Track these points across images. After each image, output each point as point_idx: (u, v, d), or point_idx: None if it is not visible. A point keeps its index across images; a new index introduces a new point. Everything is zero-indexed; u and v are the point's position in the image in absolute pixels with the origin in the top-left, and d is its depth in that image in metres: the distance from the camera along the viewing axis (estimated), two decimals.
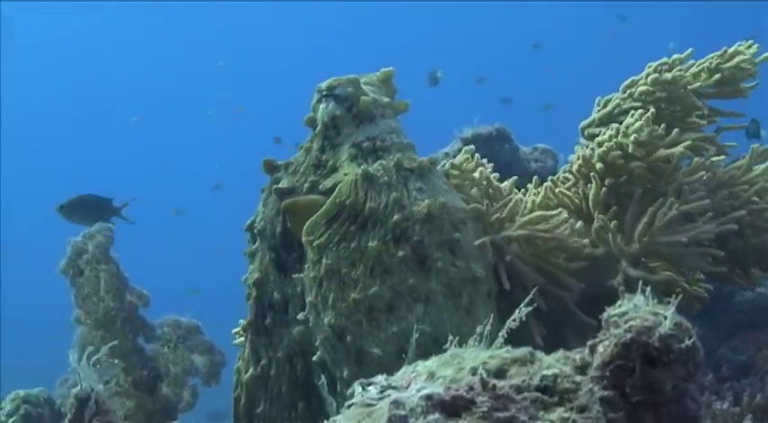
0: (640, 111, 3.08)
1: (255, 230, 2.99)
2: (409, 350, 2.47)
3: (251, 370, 3.03)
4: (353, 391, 1.68)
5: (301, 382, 2.89)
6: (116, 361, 4.10)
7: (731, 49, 3.31)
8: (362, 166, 2.70)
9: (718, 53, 3.32)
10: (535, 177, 3.34)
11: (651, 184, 3.01)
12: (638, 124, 2.97)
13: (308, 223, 2.71)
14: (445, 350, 2.48)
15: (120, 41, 31.08)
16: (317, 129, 2.89)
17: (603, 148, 3.00)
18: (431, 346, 2.53)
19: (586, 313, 3.04)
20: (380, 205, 2.63)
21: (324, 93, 2.86)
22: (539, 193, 3.14)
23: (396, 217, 2.61)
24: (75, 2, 28.93)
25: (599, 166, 3.00)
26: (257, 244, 2.99)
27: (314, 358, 2.76)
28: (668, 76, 3.27)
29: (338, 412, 2.63)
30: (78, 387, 3.06)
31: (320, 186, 2.79)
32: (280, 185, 2.89)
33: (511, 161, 5.52)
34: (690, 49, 3.36)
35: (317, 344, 2.74)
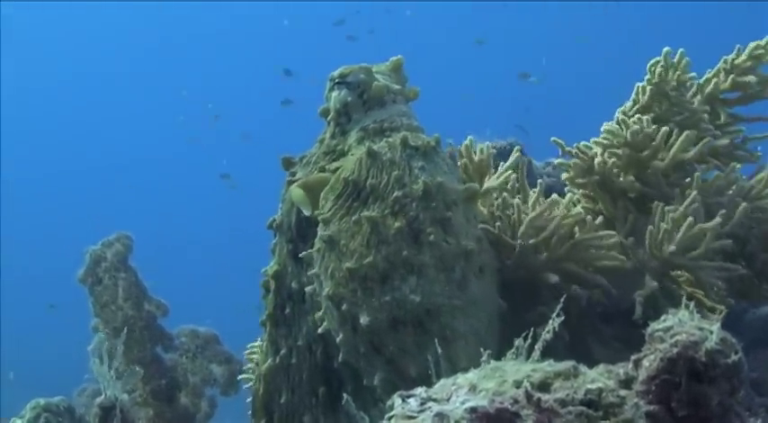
0: (638, 116, 3.05)
1: (274, 225, 3.03)
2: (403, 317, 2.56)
3: (269, 361, 3.06)
4: (393, 404, 1.68)
5: (321, 367, 2.89)
6: (138, 368, 4.10)
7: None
8: (367, 144, 2.75)
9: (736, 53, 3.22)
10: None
11: (662, 191, 2.98)
12: (633, 124, 2.97)
13: (320, 199, 2.77)
14: (439, 322, 2.55)
15: (119, 40, 31.11)
16: (330, 116, 2.94)
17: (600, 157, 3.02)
18: (423, 317, 2.59)
19: (611, 325, 3.04)
20: (381, 183, 2.68)
21: (336, 80, 2.91)
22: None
23: (396, 193, 2.65)
24: (75, 1, 28.98)
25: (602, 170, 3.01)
26: (276, 238, 3.04)
27: (319, 330, 2.80)
28: (654, 79, 3.18)
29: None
30: (103, 396, 3.08)
31: (327, 167, 2.85)
32: (292, 178, 2.93)
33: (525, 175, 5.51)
34: (680, 49, 3.18)
35: (319, 315, 2.78)
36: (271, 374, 3.06)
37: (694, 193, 2.86)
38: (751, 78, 3.15)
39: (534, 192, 3.10)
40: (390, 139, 2.76)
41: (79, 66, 31.11)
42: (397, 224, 2.61)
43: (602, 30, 27.20)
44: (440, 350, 2.52)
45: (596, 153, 3.11)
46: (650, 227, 2.87)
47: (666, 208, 2.85)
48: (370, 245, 2.62)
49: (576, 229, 2.89)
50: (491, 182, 3.08)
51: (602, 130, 3.12)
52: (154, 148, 29.62)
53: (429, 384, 2.47)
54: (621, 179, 3.04)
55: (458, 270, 2.64)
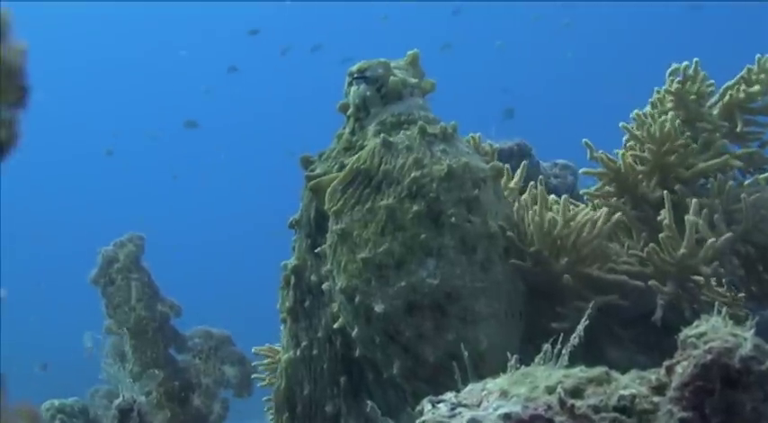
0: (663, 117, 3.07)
1: (294, 222, 3.04)
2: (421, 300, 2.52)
3: (290, 353, 3.05)
4: (422, 409, 1.68)
5: (341, 357, 2.89)
6: (156, 371, 4.11)
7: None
8: (382, 135, 2.74)
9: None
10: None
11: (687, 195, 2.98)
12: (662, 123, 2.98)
13: (328, 191, 2.74)
14: (459, 305, 2.53)
15: (120, 39, 31.08)
16: (349, 112, 2.94)
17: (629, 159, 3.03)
18: (442, 301, 2.56)
19: (627, 328, 3.04)
20: (396, 167, 2.66)
21: (355, 75, 2.92)
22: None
23: (414, 174, 2.62)
24: (75, 1, 28.95)
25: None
26: (296, 234, 3.05)
27: (335, 325, 2.79)
28: (673, 88, 3.18)
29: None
30: (121, 398, 3.08)
31: (345, 162, 2.83)
32: (310, 173, 2.93)
33: (532, 177, 5.50)
34: (695, 59, 3.25)
35: (335, 310, 2.77)
36: (292, 368, 3.06)
37: (695, 201, 2.87)
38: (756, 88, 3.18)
39: (557, 200, 3.09)
40: (408, 132, 2.75)
41: (79, 64, 31.01)
42: (415, 208, 2.58)
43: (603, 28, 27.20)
44: (460, 333, 2.53)
45: (622, 163, 3.10)
46: (662, 234, 2.88)
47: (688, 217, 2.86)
48: (385, 232, 2.59)
49: (596, 233, 2.89)
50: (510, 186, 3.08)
51: (631, 117, 3.13)
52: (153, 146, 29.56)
53: (449, 370, 2.50)
54: (645, 184, 3.04)
55: (480, 251, 2.62)
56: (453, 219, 2.58)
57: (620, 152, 3.14)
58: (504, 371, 2.58)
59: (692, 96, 3.14)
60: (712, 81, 3.19)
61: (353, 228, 2.65)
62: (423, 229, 2.57)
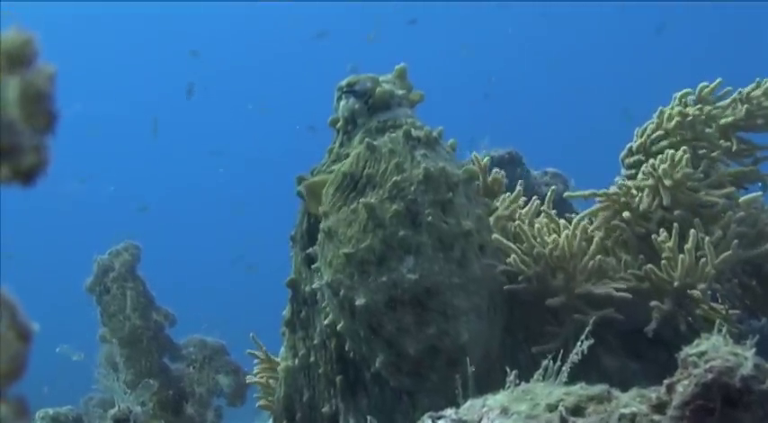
0: (672, 151, 3.10)
1: (291, 237, 3.10)
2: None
3: (288, 363, 3.11)
4: None
5: (336, 358, 2.94)
6: (151, 381, 4.10)
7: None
8: (367, 140, 2.81)
9: (753, 85, 3.32)
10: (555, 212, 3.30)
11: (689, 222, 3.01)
12: (670, 164, 3.01)
13: (323, 192, 2.84)
14: (439, 300, 2.59)
15: (121, 37, 31.03)
16: (339, 125, 3.00)
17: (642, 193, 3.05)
18: (422, 296, 2.64)
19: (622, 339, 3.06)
20: (379, 171, 2.74)
21: (344, 90, 2.98)
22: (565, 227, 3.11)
23: (395, 178, 2.71)
24: (75, 1, 28.92)
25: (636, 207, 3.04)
26: (292, 249, 3.11)
27: (325, 321, 2.85)
28: (690, 111, 3.25)
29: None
30: (116, 408, 3.07)
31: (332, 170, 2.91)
32: (302, 177, 3.01)
33: (523, 185, 5.51)
34: (718, 79, 3.35)
35: (323, 305, 2.85)
36: (291, 376, 3.11)
37: (696, 221, 2.92)
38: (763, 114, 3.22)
39: (561, 219, 3.11)
40: (393, 135, 2.82)
41: (78, 63, 30.95)
42: (394, 207, 2.66)
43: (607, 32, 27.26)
44: (441, 326, 2.60)
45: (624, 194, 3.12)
46: (663, 253, 2.89)
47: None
48: (366, 229, 2.68)
49: (593, 251, 2.91)
50: (501, 209, 3.10)
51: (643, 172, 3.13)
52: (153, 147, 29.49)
53: (430, 363, 2.59)
54: (647, 204, 3.05)
55: (457, 249, 2.70)
56: (430, 218, 2.66)
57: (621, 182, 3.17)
58: (484, 364, 2.63)
59: (702, 118, 3.21)
60: (721, 103, 3.26)
61: (339, 226, 2.74)
62: (401, 228, 2.66)
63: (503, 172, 3.34)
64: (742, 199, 3.13)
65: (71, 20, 29.77)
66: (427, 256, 2.65)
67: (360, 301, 2.65)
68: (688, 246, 2.84)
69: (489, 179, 3.25)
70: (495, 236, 2.92)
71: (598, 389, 1.56)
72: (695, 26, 23.85)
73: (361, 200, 2.70)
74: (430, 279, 2.64)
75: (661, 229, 2.93)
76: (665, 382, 1.53)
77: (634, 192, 3.08)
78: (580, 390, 1.57)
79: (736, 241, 2.90)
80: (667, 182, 2.99)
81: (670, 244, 2.86)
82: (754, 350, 1.48)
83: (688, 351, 1.52)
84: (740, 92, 3.30)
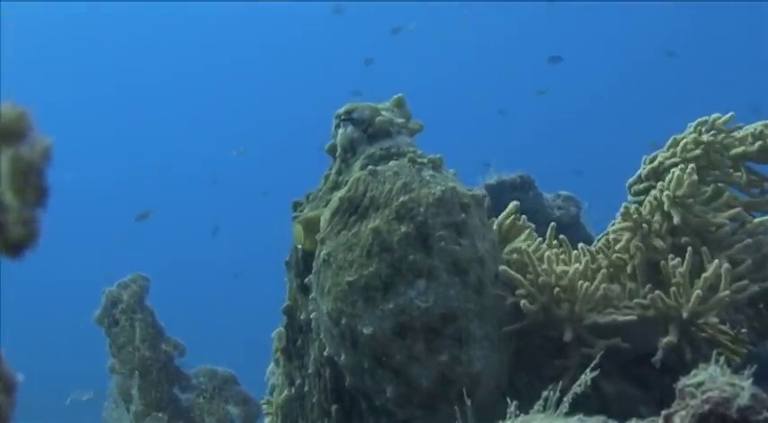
0: (681, 166, 3.11)
1: (285, 262, 3.05)
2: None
3: (285, 392, 3.07)
4: None
5: (332, 388, 2.86)
6: (160, 414, 4.10)
7: None
8: (369, 166, 2.74)
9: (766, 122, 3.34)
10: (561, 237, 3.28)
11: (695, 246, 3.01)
12: (676, 182, 3.02)
13: (321, 218, 2.76)
14: (455, 326, 2.49)
15: (120, 37, 31.06)
16: (337, 153, 2.97)
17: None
18: (436, 323, 2.51)
19: (628, 370, 3.04)
20: (383, 192, 2.64)
21: (342, 117, 2.94)
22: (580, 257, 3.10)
23: (402, 198, 2.60)
24: (75, 1, 28.97)
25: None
26: (287, 275, 3.07)
27: (325, 353, 2.75)
28: (705, 138, 3.28)
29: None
30: None
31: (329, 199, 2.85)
32: (299, 214, 2.95)
33: (536, 208, 5.50)
34: (731, 113, 3.35)
35: (321, 336, 2.75)
36: (287, 406, 3.07)
37: (704, 249, 2.92)
38: None
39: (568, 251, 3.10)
40: (398, 161, 2.76)
41: (78, 63, 30.86)
42: (403, 229, 2.55)
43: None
44: (454, 354, 2.50)
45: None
46: (673, 280, 2.89)
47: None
48: (371, 254, 2.56)
49: (600, 279, 2.90)
50: (515, 242, 3.07)
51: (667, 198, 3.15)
52: (152, 147, 29.41)
53: (444, 395, 2.49)
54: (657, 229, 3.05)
55: (472, 274, 2.59)
56: (443, 243, 2.55)
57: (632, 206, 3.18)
58: (496, 394, 2.58)
59: (718, 146, 3.25)
60: (735, 134, 3.30)
61: (338, 252, 2.63)
62: (411, 251, 2.54)
63: (526, 219, 3.18)
64: (750, 224, 3.14)
65: (71, 20, 29.93)
66: (442, 280, 2.53)
67: (367, 330, 2.52)
68: (706, 274, 2.82)
69: (507, 222, 3.13)
70: (502, 267, 2.80)
71: (596, 420, 1.56)
72: (705, 51, 23.90)
73: (365, 223, 2.60)
74: (446, 304, 2.52)
75: (670, 256, 2.91)
76: (663, 413, 1.53)
77: (646, 216, 3.08)
78: (578, 421, 1.57)
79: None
80: (677, 191, 3.00)
81: (682, 270, 2.84)
82: (751, 380, 1.47)
83: (685, 381, 1.52)
84: (755, 128, 3.31)
